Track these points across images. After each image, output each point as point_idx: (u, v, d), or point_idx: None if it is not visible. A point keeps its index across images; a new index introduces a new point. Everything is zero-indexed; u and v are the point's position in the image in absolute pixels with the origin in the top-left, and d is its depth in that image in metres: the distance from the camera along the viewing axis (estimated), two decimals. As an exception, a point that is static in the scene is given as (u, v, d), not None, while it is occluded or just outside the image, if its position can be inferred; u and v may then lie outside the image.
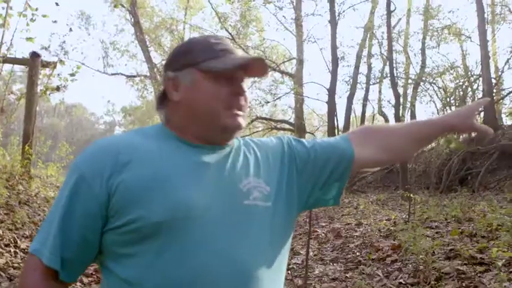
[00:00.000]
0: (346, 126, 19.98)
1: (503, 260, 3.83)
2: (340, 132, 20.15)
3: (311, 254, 5.64)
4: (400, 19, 22.73)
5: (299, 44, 19.92)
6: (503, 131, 14.00)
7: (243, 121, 1.14)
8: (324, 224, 8.06)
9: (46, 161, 11.65)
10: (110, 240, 1.05)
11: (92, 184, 1.03)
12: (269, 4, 18.68)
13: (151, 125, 1.25)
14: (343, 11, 17.68)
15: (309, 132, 21.58)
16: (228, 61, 1.11)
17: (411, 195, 7.27)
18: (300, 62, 19.78)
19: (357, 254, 5.56)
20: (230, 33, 19.04)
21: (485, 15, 18.34)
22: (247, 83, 1.17)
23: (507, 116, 22.72)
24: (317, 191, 1.26)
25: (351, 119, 21.93)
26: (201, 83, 1.11)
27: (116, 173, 1.03)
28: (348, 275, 4.79)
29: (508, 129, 14.47)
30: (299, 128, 18.60)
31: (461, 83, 22.46)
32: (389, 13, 15.78)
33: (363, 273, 4.65)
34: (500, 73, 22.27)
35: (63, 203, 1.05)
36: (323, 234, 6.97)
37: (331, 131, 17.10)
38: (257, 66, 1.15)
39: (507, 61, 22.18)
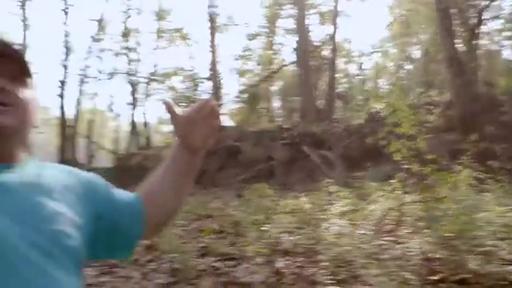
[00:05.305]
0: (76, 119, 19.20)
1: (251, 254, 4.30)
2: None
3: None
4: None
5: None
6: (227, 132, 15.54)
7: (7, 118, 0.92)
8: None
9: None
10: None
11: None
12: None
13: None
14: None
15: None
16: None
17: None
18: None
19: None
20: None
21: (214, 24, 20.04)
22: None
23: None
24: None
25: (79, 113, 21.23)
26: None
27: None
28: (102, 280, 4.62)
29: (231, 130, 16.13)
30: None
31: (189, 85, 24.03)
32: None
33: (119, 277, 4.56)
34: (221, 78, 24.67)
35: None
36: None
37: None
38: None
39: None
